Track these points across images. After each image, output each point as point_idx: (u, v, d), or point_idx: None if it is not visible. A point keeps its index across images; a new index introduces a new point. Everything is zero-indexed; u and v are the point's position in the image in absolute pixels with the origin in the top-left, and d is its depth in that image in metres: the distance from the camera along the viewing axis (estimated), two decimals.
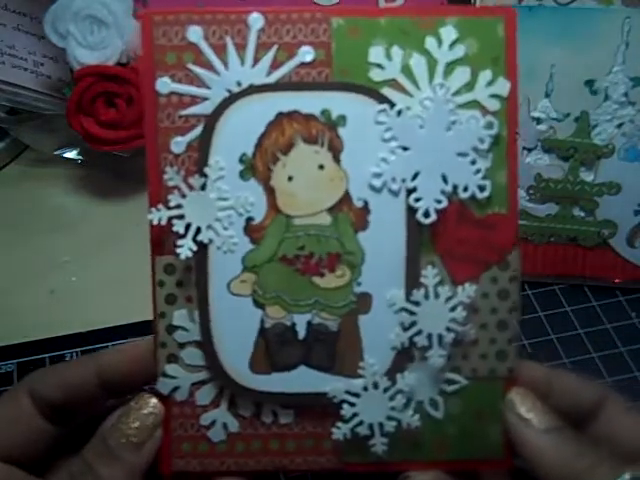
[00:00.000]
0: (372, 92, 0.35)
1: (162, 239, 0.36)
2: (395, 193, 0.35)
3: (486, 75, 0.35)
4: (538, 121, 0.57)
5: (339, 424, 0.36)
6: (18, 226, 0.64)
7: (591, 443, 0.35)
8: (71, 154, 0.67)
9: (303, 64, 0.35)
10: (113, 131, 0.59)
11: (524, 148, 0.58)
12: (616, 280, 0.59)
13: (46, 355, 0.55)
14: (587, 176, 0.58)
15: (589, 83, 0.56)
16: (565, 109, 0.57)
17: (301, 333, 0.36)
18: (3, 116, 0.64)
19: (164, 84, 0.35)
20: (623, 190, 0.57)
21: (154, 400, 0.36)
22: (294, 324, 0.36)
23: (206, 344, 0.36)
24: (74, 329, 0.55)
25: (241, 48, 0.35)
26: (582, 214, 0.58)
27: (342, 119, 0.35)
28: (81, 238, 0.63)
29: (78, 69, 0.57)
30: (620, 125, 0.57)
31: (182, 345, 0.36)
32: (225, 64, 0.35)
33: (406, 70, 0.35)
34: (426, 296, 0.35)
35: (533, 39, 0.56)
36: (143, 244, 0.36)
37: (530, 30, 0.56)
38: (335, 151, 0.35)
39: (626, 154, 0.57)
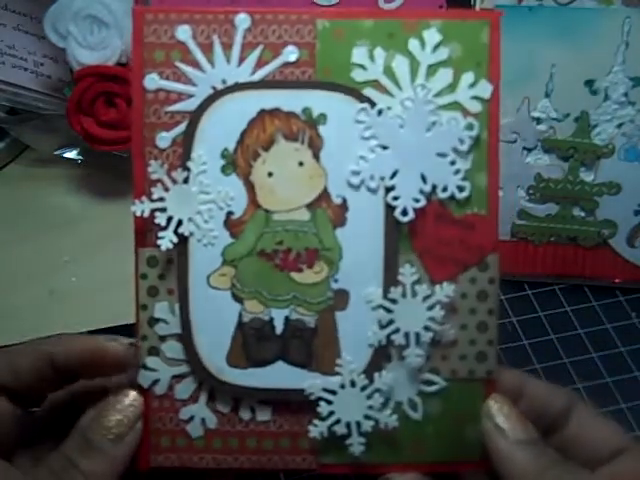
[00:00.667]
0: (353, 91, 0.35)
1: (145, 231, 0.36)
2: (373, 191, 0.35)
3: (468, 77, 0.35)
4: (538, 121, 0.57)
5: (316, 422, 0.36)
6: (18, 226, 0.64)
7: (561, 456, 0.35)
8: (71, 154, 0.67)
9: (287, 63, 0.36)
10: (113, 131, 0.60)
11: (524, 148, 0.58)
12: (616, 280, 0.59)
13: None
14: (587, 176, 0.58)
15: (589, 83, 0.56)
16: (565, 109, 0.57)
17: (279, 328, 0.36)
18: (3, 116, 0.65)
19: (152, 80, 0.36)
20: (623, 190, 0.57)
21: (134, 393, 0.36)
22: (272, 319, 0.36)
23: (185, 337, 0.36)
24: (73, 329, 0.55)
25: (227, 47, 0.36)
26: (582, 214, 0.58)
27: (323, 117, 0.35)
28: (81, 238, 0.63)
29: (78, 69, 0.58)
30: (620, 125, 0.57)
31: (163, 338, 0.36)
32: (211, 62, 0.36)
33: (388, 71, 0.35)
34: (403, 294, 0.35)
35: (533, 39, 0.56)
36: None
37: (530, 30, 0.56)
38: (315, 148, 0.36)
39: (626, 154, 0.57)
